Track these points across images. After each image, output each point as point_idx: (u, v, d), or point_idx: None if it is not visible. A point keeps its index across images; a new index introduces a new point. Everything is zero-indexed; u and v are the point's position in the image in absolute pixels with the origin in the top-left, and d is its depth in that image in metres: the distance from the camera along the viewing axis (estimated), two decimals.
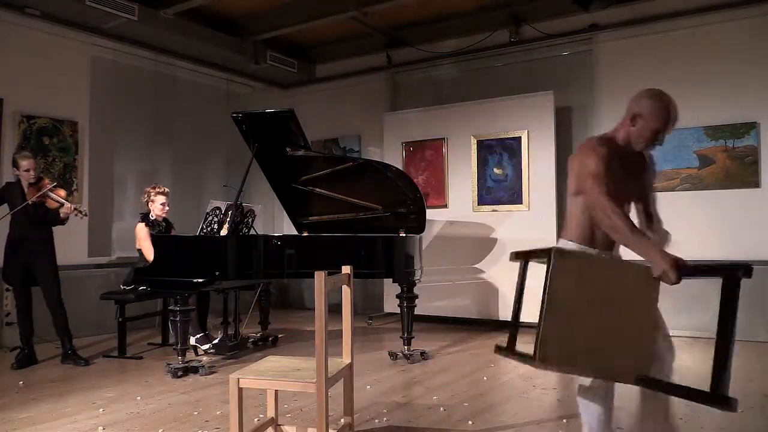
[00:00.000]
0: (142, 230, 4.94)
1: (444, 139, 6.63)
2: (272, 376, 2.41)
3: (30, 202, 4.45)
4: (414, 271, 4.78)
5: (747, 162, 5.41)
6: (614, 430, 2.32)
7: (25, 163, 4.54)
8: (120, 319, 4.89)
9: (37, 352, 4.70)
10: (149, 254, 4.87)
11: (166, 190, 5.13)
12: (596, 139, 2.26)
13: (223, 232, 4.81)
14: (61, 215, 4.56)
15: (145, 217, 5.02)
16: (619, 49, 6.01)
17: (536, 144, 6.06)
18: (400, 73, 7.39)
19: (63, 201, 4.56)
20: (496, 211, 6.27)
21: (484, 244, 6.28)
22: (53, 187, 4.63)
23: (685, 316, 5.37)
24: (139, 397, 3.68)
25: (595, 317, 1.92)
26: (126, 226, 6.33)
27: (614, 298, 1.95)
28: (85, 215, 4.65)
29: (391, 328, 6.20)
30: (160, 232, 4.99)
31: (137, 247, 4.98)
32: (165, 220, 5.13)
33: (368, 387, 3.89)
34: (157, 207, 5.03)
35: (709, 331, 5.71)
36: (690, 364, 4.36)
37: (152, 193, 5.05)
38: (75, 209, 4.56)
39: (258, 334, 5.50)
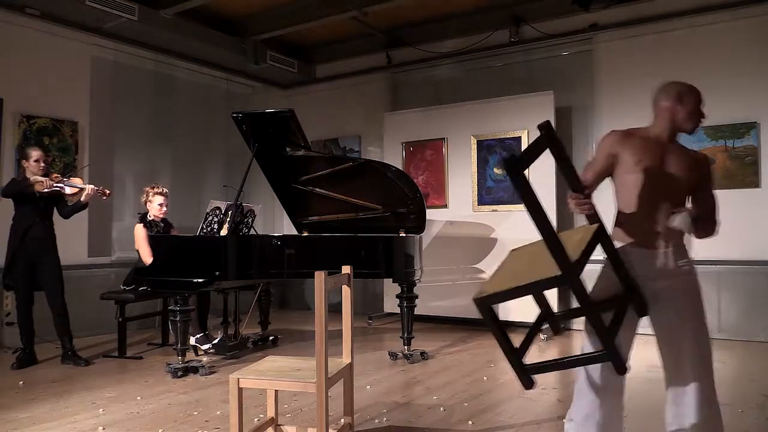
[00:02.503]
0: (139, 231, 4.93)
1: (444, 139, 6.63)
2: (272, 376, 2.41)
3: (38, 193, 4.44)
4: (414, 271, 4.78)
5: (747, 162, 5.41)
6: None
7: (35, 154, 4.57)
8: (120, 319, 4.88)
9: (37, 352, 4.70)
10: (146, 256, 4.87)
11: (165, 190, 5.12)
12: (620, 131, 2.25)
13: (223, 232, 4.81)
14: (83, 199, 4.59)
15: (143, 218, 5.01)
16: (619, 49, 6.01)
17: None
18: (400, 73, 7.38)
19: (82, 186, 4.61)
20: (496, 211, 6.27)
21: (484, 244, 6.28)
22: (69, 176, 4.69)
23: None
24: (139, 397, 3.68)
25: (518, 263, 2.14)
26: (126, 226, 6.33)
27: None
28: (107, 195, 4.72)
29: (391, 328, 6.20)
30: (159, 232, 4.98)
31: (136, 248, 4.97)
32: (164, 220, 5.12)
33: (368, 387, 3.89)
34: (155, 207, 5.02)
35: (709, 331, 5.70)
36: None
37: (151, 193, 5.04)
38: (97, 190, 4.61)
39: (258, 334, 5.50)
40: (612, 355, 1.95)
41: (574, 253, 1.89)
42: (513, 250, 2.38)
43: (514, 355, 2.01)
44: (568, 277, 1.82)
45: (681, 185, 2.16)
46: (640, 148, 2.16)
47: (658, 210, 2.12)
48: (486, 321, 1.98)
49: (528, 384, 2.02)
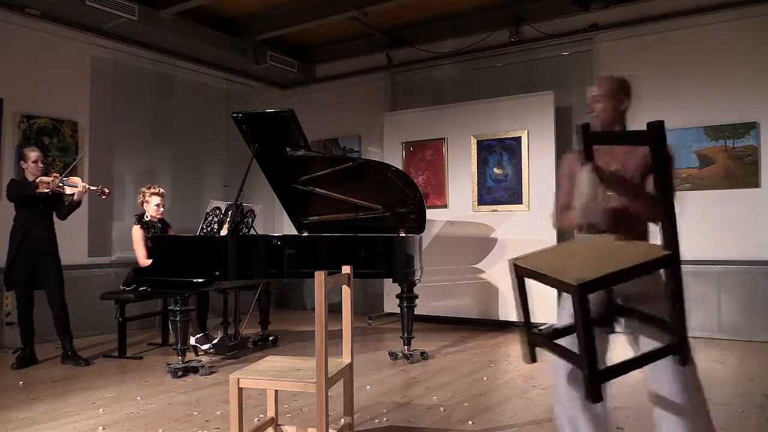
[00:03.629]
0: (135, 233, 4.94)
1: (444, 139, 6.63)
2: (272, 376, 2.41)
3: (39, 193, 4.43)
4: (414, 271, 4.77)
5: (747, 162, 5.41)
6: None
7: (33, 155, 4.57)
8: (120, 319, 4.88)
9: (37, 352, 4.70)
10: (141, 258, 4.87)
11: (162, 190, 5.11)
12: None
13: (223, 232, 4.81)
14: (76, 198, 4.57)
15: (140, 219, 5.01)
16: (619, 49, 6.01)
17: (536, 144, 6.06)
18: (400, 73, 7.38)
19: (78, 184, 4.58)
20: (496, 211, 6.27)
21: (484, 244, 6.28)
22: (67, 174, 4.67)
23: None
24: (139, 397, 3.68)
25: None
26: (126, 226, 6.32)
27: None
28: (107, 194, 4.69)
29: (391, 328, 6.20)
30: (156, 233, 4.98)
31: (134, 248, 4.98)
32: (161, 221, 5.12)
33: (368, 387, 3.89)
34: (152, 208, 5.02)
35: (709, 331, 5.73)
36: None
37: (147, 194, 5.04)
38: (96, 189, 4.59)
39: (258, 334, 5.50)
40: (685, 347, 1.87)
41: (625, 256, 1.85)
42: (530, 254, 2.10)
43: (594, 362, 1.73)
44: (679, 257, 1.79)
45: (635, 181, 2.14)
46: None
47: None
48: (583, 312, 1.69)
49: (597, 397, 1.74)
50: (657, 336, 2.04)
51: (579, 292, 1.68)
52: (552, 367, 2.23)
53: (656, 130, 1.82)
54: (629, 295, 2.11)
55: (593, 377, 1.73)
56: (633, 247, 1.94)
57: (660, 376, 2.04)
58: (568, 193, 2.30)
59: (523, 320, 2.00)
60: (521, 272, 1.94)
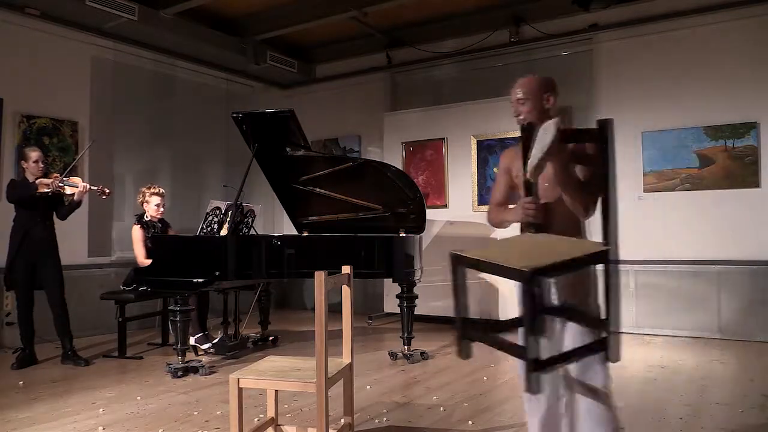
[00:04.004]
0: (135, 233, 4.95)
1: (444, 139, 6.63)
2: (272, 376, 2.41)
3: (39, 194, 4.43)
4: (414, 271, 4.78)
5: (747, 162, 5.41)
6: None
7: (34, 155, 4.58)
8: (120, 319, 4.88)
9: (37, 352, 4.70)
10: (141, 258, 4.87)
11: (162, 190, 5.11)
12: None
13: (223, 232, 4.81)
14: (76, 197, 4.57)
15: (140, 219, 5.02)
16: (619, 49, 6.01)
17: None
18: (400, 73, 7.39)
19: (78, 184, 4.58)
20: None
21: (484, 244, 6.22)
22: (67, 174, 4.67)
23: (685, 316, 5.37)
24: (139, 397, 3.68)
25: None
26: (126, 226, 6.32)
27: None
28: (107, 194, 4.69)
29: (391, 328, 6.20)
30: (156, 233, 4.98)
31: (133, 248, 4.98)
32: (161, 221, 5.12)
33: (368, 387, 3.89)
34: (152, 208, 5.02)
35: (709, 331, 5.73)
36: (691, 363, 4.36)
37: (147, 194, 5.04)
38: (96, 189, 4.59)
39: (258, 334, 5.50)
40: (615, 342, 1.87)
41: (566, 249, 1.89)
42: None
43: (535, 351, 1.74)
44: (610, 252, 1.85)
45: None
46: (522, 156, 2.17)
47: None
48: (532, 299, 1.71)
49: (537, 389, 1.78)
50: (584, 330, 2.09)
51: (529, 277, 1.68)
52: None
53: (605, 127, 1.88)
54: (559, 291, 2.14)
55: (534, 367, 1.71)
56: (576, 242, 1.98)
57: (591, 367, 2.09)
58: (503, 189, 2.33)
59: (458, 314, 2.00)
60: (464, 262, 1.90)
